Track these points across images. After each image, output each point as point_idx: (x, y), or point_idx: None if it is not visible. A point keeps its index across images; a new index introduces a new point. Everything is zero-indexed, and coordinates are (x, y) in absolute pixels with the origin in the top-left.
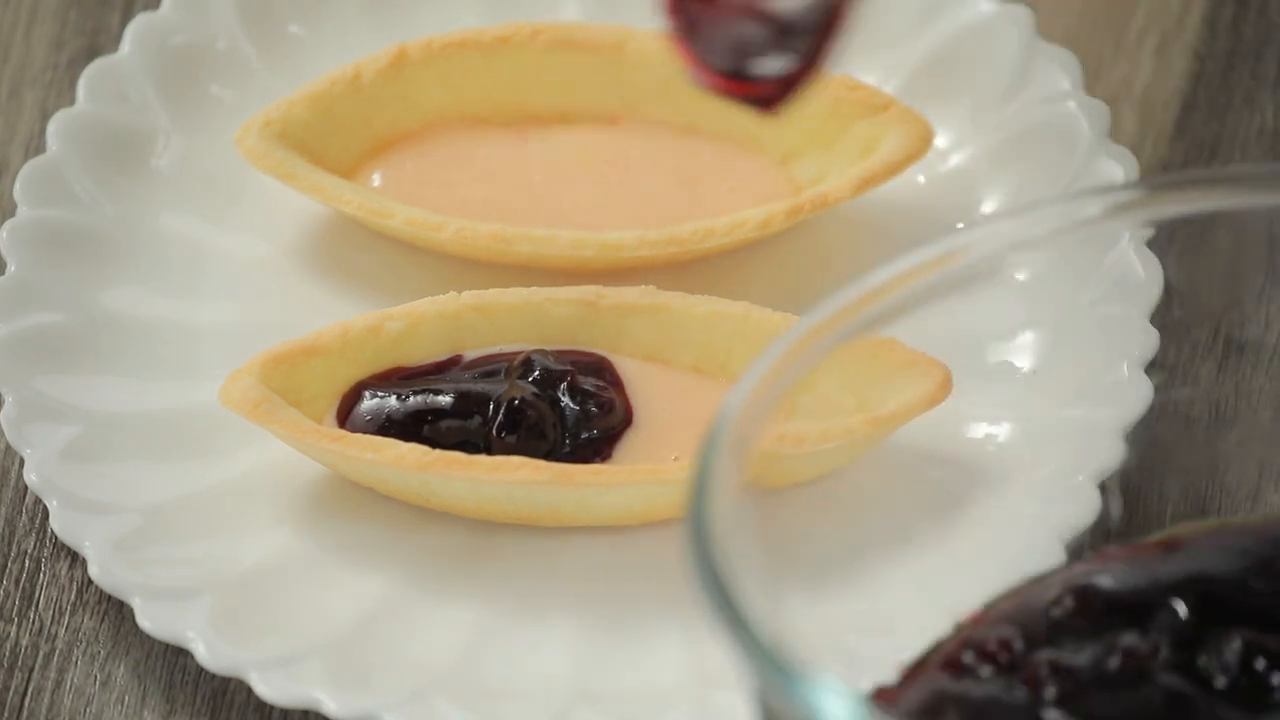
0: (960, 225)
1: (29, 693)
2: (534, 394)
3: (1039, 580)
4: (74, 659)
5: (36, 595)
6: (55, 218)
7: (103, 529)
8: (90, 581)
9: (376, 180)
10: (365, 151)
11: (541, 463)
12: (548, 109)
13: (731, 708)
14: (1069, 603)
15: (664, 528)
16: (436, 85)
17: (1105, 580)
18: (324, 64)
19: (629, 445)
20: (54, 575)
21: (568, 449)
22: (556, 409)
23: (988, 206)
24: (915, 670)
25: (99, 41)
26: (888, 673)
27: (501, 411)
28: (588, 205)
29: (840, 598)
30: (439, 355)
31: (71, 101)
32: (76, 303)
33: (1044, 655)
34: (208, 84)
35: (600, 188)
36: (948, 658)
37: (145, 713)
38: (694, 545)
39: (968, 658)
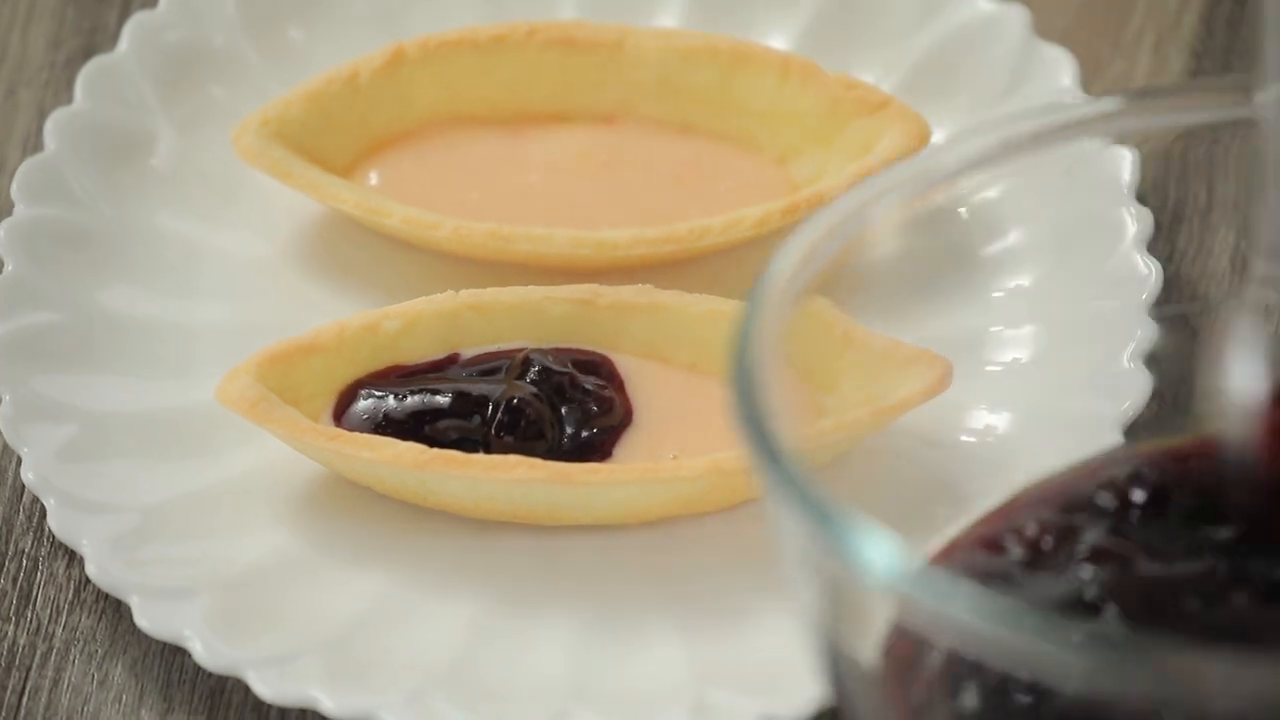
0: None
1: (26, 691)
2: (533, 394)
3: (1080, 469)
4: (71, 658)
5: (34, 594)
6: (52, 216)
7: (100, 528)
8: (88, 580)
9: (374, 179)
10: (362, 150)
11: (539, 461)
12: (545, 108)
13: (729, 707)
14: (1117, 490)
15: (662, 526)
16: (433, 84)
17: (1151, 473)
18: (321, 63)
19: (629, 444)
20: (51, 574)
21: (568, 448)
22: (556, 408)
23: (984, 205)
24: (946, 550)
25: (96, 40)
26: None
27: (500, 411)
28: (585, 204)
29: None
30: (436, 354)
31: (69, 100)
32: (74, 302)
33: (1090, 541)
34: (205, 83)
35: (597, 187)
36: (984, 538)
37: (143, 711)
38: (740, 391)
39: (1008, 540)
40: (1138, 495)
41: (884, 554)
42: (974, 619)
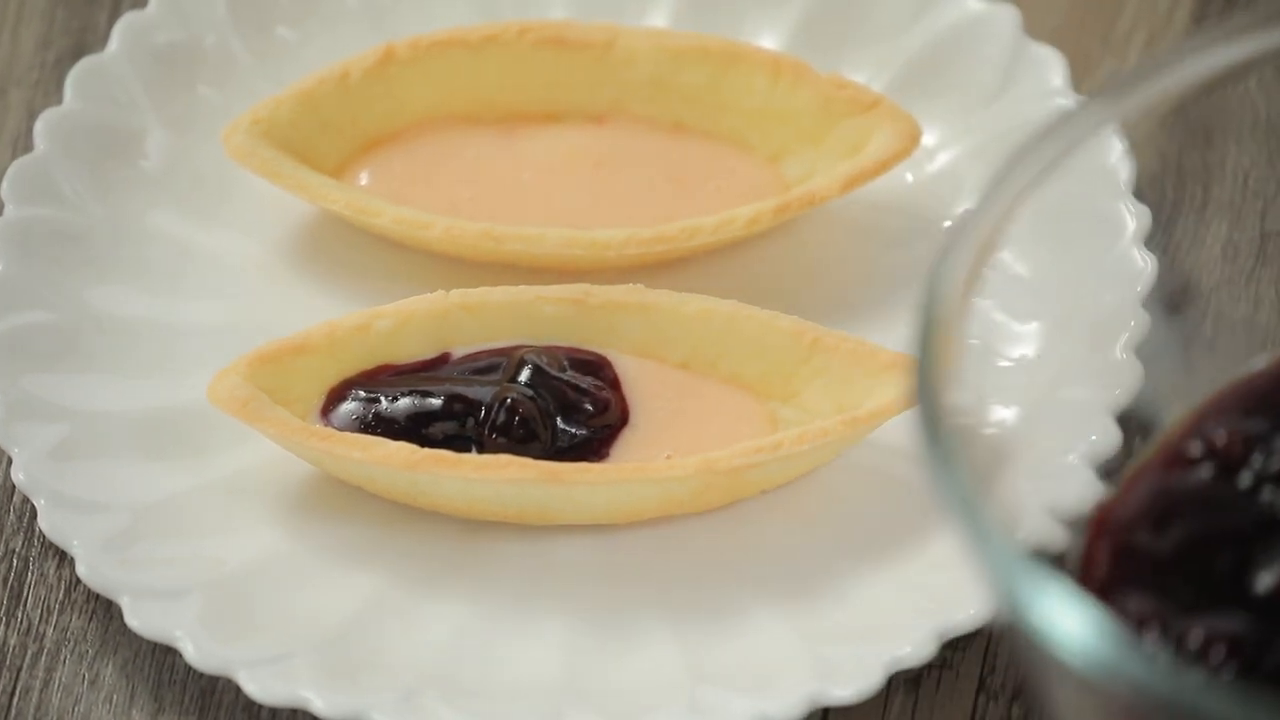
0: (947, 224)
1: (17, 692)
2: (528, 395)
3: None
4: (62, 658)
5: (24, 594)
6: (43, 217)
7: (91, 528)
8: (78, 580)
9: (364, 179)
10: (353, 150)
11: (529, 461)
12: (536, 107)
13: (722, 705)
14: None
15: (655, 526)
16: (424, 84)
17: None
18: (311, 63)
19: (626, 444)
20: (42, 574)
21: (564, 448)
22: (550, 409)
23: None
24: (1135, 475)
25: (86, 40)
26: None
27: (494, 412)
28: (576, 204)
29: (834, 584)
30: (427, 354)
31: (59, 100)
32: (64, 302)
33: None
34: (195, 83)
35: (588, 186)
36: (1171, 455)
37: (133, 712)
38: (936, 465)
39: (1194, 450)
40: None
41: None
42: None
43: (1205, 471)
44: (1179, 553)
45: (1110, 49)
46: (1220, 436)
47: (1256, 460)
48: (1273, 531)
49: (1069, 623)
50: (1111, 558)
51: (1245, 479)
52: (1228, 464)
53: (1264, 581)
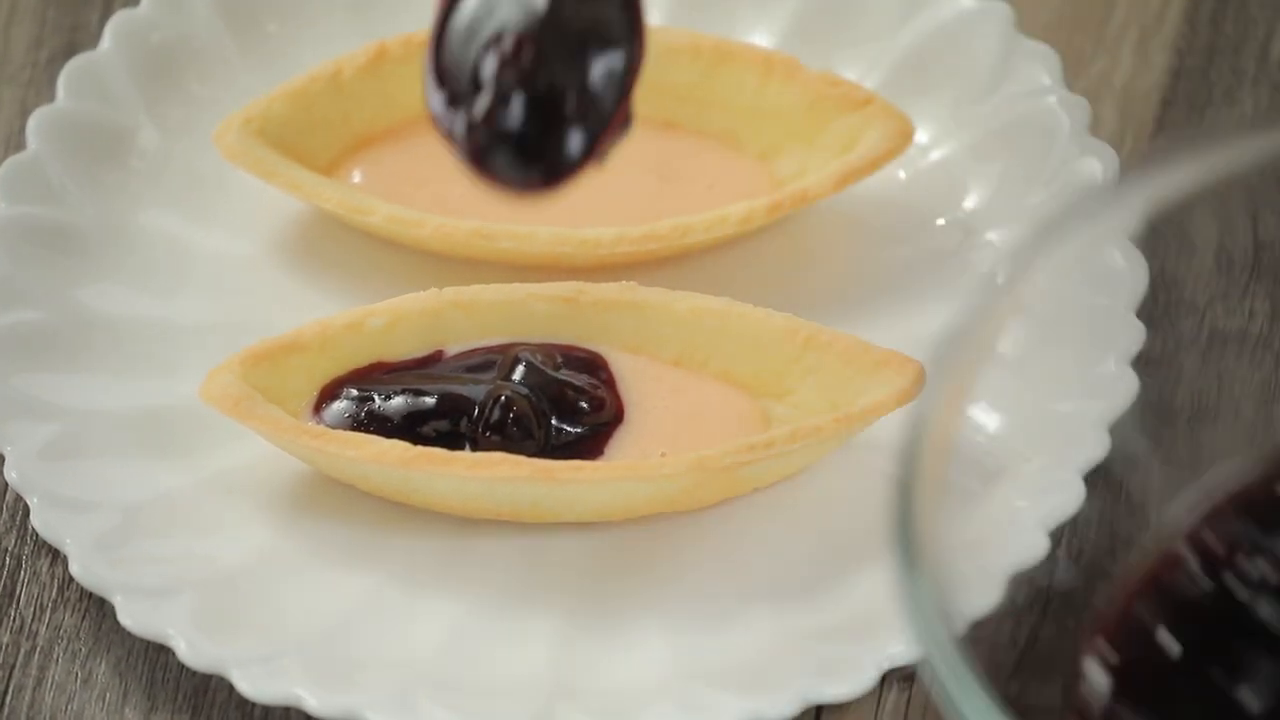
0: (940, 221)
1: (10, 690)
2: (522, 393)
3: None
4: (55, 656)
5: (17, 593)
6: (35, 215)
7: (84, 526)
8: (71, 579)
9: (357, 177)
10: (345, 148)
11: (521, 459)
12: None
13: (715, 703)
14: None
15: (647, 524)
16: (416, 82)
17: None
18: (304, 61)
19: (621, 442)
20: (35, 573)
21: (558, 446)
22: (545, 407)
23: (968, 202)
24: (1126, 592)
25: (78, 38)
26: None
27: (488, 410)
28: (568, 202)
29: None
30: (420, 351)
31: (51, 99)
32: (56, 300)
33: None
34: (187, 81)
35: (580, 184)
36: (1167, 563)
37: (126, 710)
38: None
39: (1189, 561)
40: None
41: None
42: None
43: (1201, 585)
44: (1176, 671)
45: (1103, 47)
46: (1217, 546)
47: (1254, 570)
48: (1261, 644)
49: None
50: (1109, 671)
51: (1241, 593)
52: (1223, 576)
53: (1256, 703)
